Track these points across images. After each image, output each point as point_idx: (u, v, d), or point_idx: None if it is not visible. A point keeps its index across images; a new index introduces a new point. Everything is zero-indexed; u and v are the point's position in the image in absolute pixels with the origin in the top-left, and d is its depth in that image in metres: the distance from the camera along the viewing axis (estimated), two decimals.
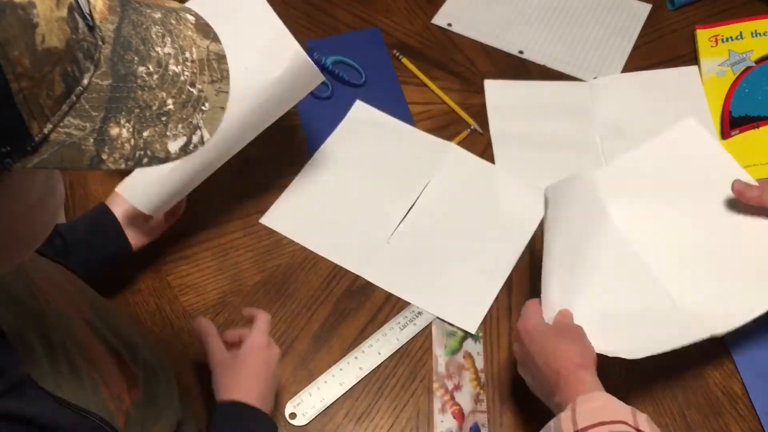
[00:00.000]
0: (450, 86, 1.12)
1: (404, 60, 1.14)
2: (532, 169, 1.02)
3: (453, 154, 1.03)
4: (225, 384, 0.74)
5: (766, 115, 1.05)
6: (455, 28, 1.19)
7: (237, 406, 0.72)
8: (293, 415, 0.81)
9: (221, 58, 0.47)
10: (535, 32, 1.20)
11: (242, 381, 0.74)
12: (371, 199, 0.99)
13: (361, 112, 1.07)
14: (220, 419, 0.72)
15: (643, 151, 0.90)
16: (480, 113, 1.09)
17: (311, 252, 0.94)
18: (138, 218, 0.85)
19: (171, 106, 0.43)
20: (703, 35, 1.16)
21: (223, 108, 0.45)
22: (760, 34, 1.13)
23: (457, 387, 0.84)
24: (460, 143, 1.05)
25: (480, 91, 1.11)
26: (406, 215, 0.97)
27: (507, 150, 1.04)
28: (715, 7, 1.23)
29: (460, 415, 0.82)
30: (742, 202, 0.85)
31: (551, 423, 0.67)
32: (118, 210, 0.84)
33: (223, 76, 0.46)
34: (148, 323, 0.87)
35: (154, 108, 0.42)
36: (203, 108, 0.44)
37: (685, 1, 1.23)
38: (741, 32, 1.14)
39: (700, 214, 0.87)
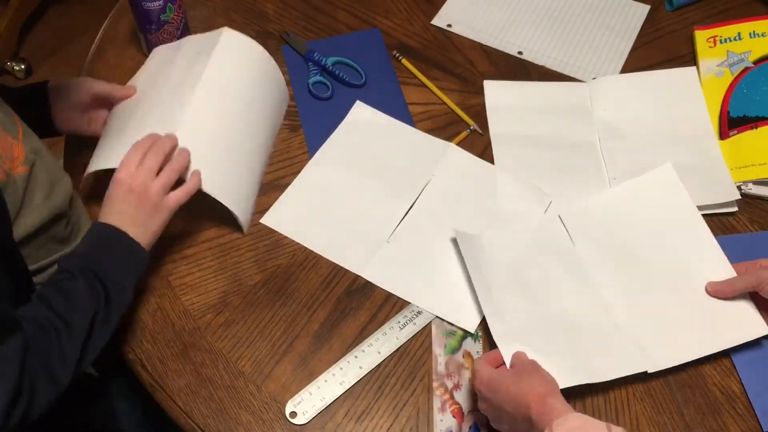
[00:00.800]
0: (450, 87, 1.12)
1: (404, 60, 1.14)
2: (532, 169, 1.03)
3: (452, 153, 1.03)
4: (106, 202, 0.82)
5: (764, 116, 1.06)
6: (455, 29, 1.20)
7: (117, 231, 0.80)
8: (293, 414, 0.81)
9: None
10: (535, 33, 1.20)
11: (134, 213, 0.81)
12: (371, 198, 0.99)
13: (361, 112, 1.08)
14: (96, 234, 0.81)
15: (618, 190, 0.98)
16: (480, 114, 1.09)
17: (311, 252, 0.94)
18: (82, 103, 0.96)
19: None
20: (701, 36, 1.17)
21: None
22: (758, 34, 1.13)
23: (457, 386, 0.84)
24: (460, 144, 1.05)
25: (479, 92, 1.11)
26: (405, 215, 0.98)
27: (507, 150, 1.05)
28: (714, 8, 1.24)
29: (459, 414, 0.82)
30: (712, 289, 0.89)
31: None
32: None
33: None
34: (149, 323, 0.87)
35: None
36: None
37: (684, 2, 1.24)
38: (739, 33, 1.14)
39: (660, 257, 0.92)
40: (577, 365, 0.82)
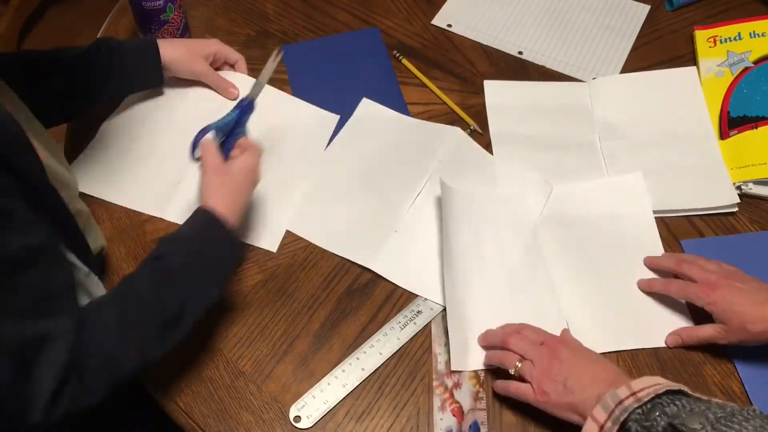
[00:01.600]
0: (450, 87, 1.12)
1: (404, 60, 1.15)
2: (532, 168, 1.03)
3: (457, 137, 1.04)
4: (212, 189, 0.82)
5: (764, 116, 1.06)
6: (455, 29, 1.20)
7: (213, 217, 0.79)
8: (298, 419, 0.81)
9: None
10: (535, 33, 1.20)
11: (227, 192, 0.82)
12: (379, 191, 0.99)
13: (367, 109, 1.08)
14: (192, 222, 0.80)
15: (588, 186, 1.00)
16: (480, 113, 1.09)
17: (312, 252, 0.94)
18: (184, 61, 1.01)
19: None
20: (701, 36, 1.17)
21: None
22: (758, 34, 1.13)
23: (457, 385, 0.84)
24: None
25: (480, 92, 1.11)
26: (412, 203, 0.98)
27: (507, 150, 1.05)
28: (714, 8, 1.24)
29: (459, 413, 0.82)
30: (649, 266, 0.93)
31: (607, 397, 0.71)
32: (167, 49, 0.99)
33: None
34: None
35: None
36: None
37: (684, 2, 1.24)
38: (739, 33, 1.14)
39: (610, 256, 0.94)
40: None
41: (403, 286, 0.91)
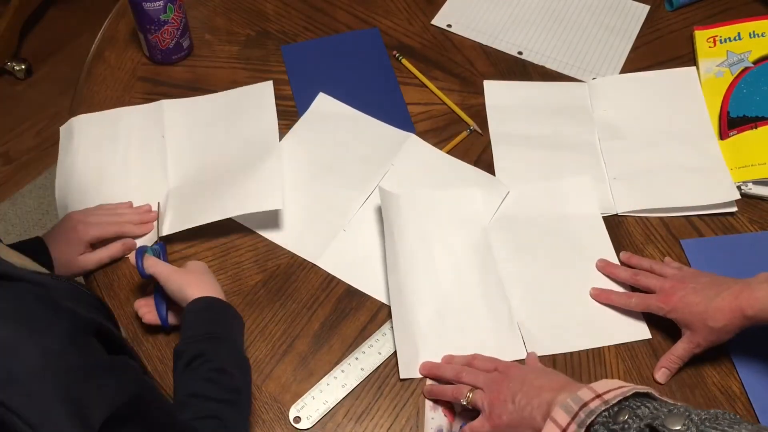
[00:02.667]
0: (449, 87, 1.12)
1: (404, 61, 1.14)
2: (532, 169, 1.03)
3: (413, 143, 1.04)
4: (185, 284, 0.80)
5: (764, 116, 1.06)
6: (455, 29, 1.20)
7: (209, 299, 0.79)
8: (297, 419, 0.81)
9: None
10: (534, 33, 1.20)
11: (198, 281, 0.81)
12: (330, 188, 0.99)
13: (323, 103, 1.08)
14: (195, 311, 0.78)
15: (536, 187, 1.01)
16: (479, 114, 1.09)
17: None
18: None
19: None
20: (701, 36, 1.17)
21: None
22: (758, 35, 1.13)
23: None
24: (459, 144, 1.05)
25: (479, 92, 1.11)
26: (363, 204, 0.98)
27: (506, 150, 1.05)
28: (714, 8, 1.24)
29: (450, 413, 0.82)
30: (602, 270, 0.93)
31: (568, 400, 0.67)
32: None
33: None
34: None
35: None
36: None
37: (684, 2, 1.24)
38: (739, 33, 1.14)
39: (562, 258, 0.95)
40: (467, 345, 0.85)
41: (351, 284, 0.91)
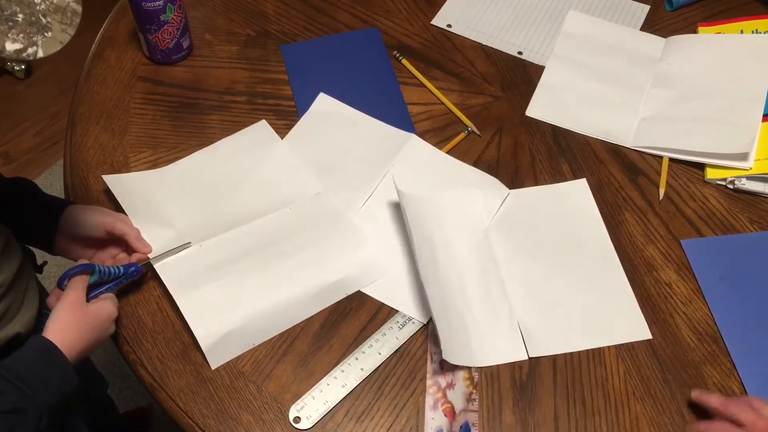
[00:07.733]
0: (449, 87, 1.12)
1: (404, 61, 1.15)
2: (570, 92, 1.11)
3: (413, 144, 1.04)
4: (62, 320, 0.77)
5: (764, 114, 1.06)
6: (455, 29, 1.20)
7: (53, 349, 0.74)
8: (297, 419, 0.81)
9: (76, 14, 0.58)
10: (534, 33, 1.20)
11: (75, 328, 0.77)
12: (330, 190, 0.98)
13: (324, 104, 1.08)
14: (30, 349, 0.74)
15: (535, 190, 1.01)
16: (479, 114, 1.09)
17: None
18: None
19: (19, 19, 0.54)
20: (705, 32, 1.17)
21: (62, 42, 0.58)
22: (760, 33, 1.13)
23: (450, 385, 0.84)
24: (459, 145, 1.05)
25: (479, 92, 1.12)
26: (363, 205, 0.98)
27: (558, 68, 1.13)
28: (714, 8, 1.24)
29: (451, 413, 0.82)
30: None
31: None
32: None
33: (72, 24, 0.57)
34: (149, 323, 0.87)
35: (6, 13, 0.53)
36: (46, 34, 0.54)
37: (684, 2, 1.24)
38: (742, 31, 1.15)
39: (562, 259, 0.95)
40: (464, 347, 0.85)
41: (355, 285, 0.91)
